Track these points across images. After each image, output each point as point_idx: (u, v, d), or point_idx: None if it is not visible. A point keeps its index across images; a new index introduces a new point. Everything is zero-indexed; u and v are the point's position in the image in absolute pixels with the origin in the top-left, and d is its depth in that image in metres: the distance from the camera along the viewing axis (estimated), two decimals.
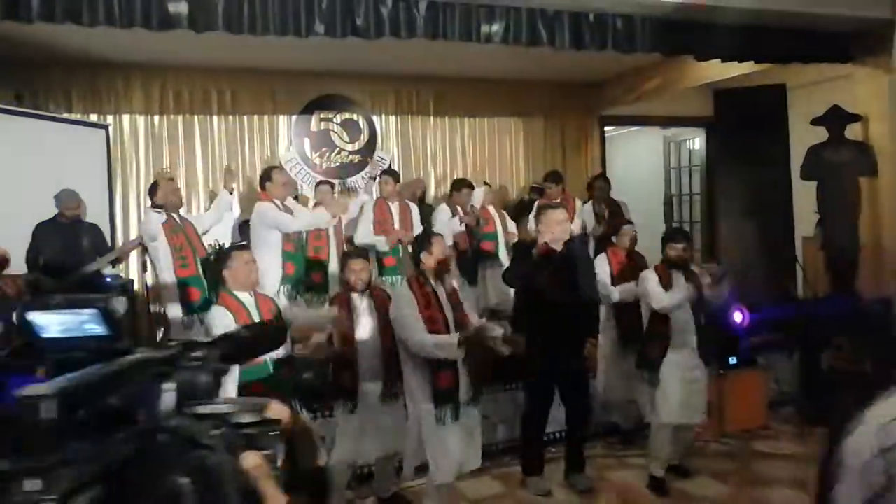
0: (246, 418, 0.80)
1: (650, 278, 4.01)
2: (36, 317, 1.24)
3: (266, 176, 5.05)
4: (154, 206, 4.73)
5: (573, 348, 3.97)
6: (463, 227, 5.79)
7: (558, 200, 6.30)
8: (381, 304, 3.55)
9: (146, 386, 0.78)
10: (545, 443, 4.24)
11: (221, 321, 3.05)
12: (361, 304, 3.57)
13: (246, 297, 3.25)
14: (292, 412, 0.83)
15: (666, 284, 3.94)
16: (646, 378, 4.06)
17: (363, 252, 4.27)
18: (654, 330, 4.02)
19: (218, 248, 5.85)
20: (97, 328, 1.19)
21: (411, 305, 3.29)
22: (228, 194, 5.11)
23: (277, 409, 0.81)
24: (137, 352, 0.83)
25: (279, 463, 0.77)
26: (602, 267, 4.43)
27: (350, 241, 5.54)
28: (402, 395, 3.49)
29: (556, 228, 3.79)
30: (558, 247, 3.81)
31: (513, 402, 4.65)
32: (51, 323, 1.20)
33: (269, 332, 1.20)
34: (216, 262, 3.45)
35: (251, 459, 0.74)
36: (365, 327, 3.55)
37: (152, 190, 4.83)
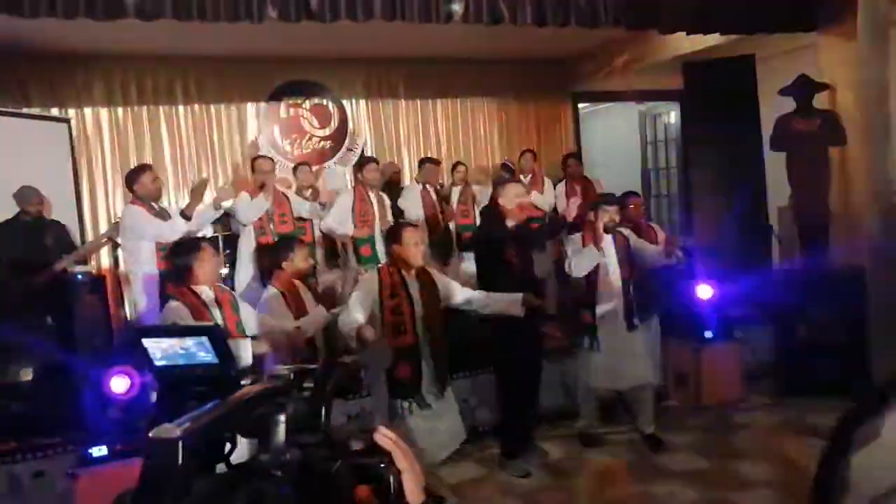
0: (355, 447, 0.80)
1: (572, 241, 4.14)
2: (150, 343, 1.24)
3: (251, 166, 5.19)
4: (136, 197, 4.54)
5: (533, 327, 4.00)
6: (433, 195, 5.79)
7: (528, 176, 6.31)
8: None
9: (260, 418, 0.77)
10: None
11: (178, 317, 2.99)
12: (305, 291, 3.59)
13: (206, 291, 3.18)
14: (398, 442, 0.81)
15: (597, 248, 4.04)
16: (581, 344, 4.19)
17: (302, 240, 4.28)
18: (585, 296, 4.13)
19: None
20: (207, 356, 1.20)
21: (365, 289, 3.33)
22: (214, 210, 4.77)
23: (384, 437, 0.80)
24: (246, 380, 0.82)
25: (392, 497, 0.76)
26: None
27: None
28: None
29: (516, 202, 3.83)
30: (518, 220, 3.86)
31: (492, 385, 4.65)
32: (163, 349, 1.21)
33: (380, 354, 1.18)
34: (181, 252, 3.34)
35: (363, 493, 0.74)
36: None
37: (131, 180, 4.55)
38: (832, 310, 4.88)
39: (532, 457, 4.17)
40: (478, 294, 3.60)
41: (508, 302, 3.48)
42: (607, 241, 4.09)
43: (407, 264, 3.39)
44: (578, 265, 4.00)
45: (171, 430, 0.63)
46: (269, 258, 4.60)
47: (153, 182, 4.53)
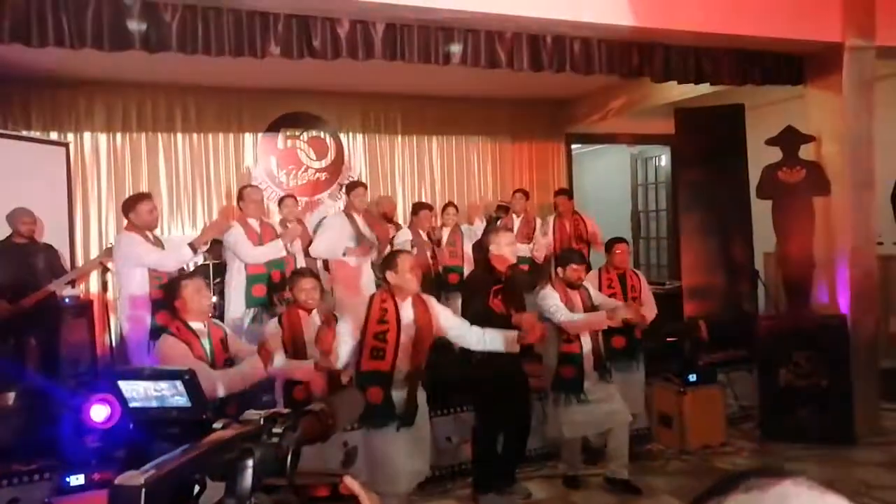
0: (322, 493, 0.80)
1: (550, 296, 4.10)
2: (125, 385, 1.25)
3: (239, 195, 5.03)
4: (131, 225, 4.44)
5: (517, 365, 4.00)
6: (415, 251, 5.75)
7: (521, 217, 6.39)
8: (330, 322, 3.54)
9: (228, 462, 0.78)
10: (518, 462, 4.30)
11: (174, 351, 3.01)
12: (311, 323, 3.56)
13: (199, 325, 3.20)
14: (364, 488, 0.82)
15: (566, 303, 4.07)
16: (564, 400, 4.12)
17: (313, 271, 4.21)
18: (566, 350, 4.11)
19: (194, 268, 5.82)
20: (181, 399, 1.21)
21: (351, 321, 3.35)
22: (191, 251, 4.52)
23: (350, 484, 0.81)
24: (218, 424, 0.84)
25: None
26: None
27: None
28: None
29: (506, 250, 3.85)
30: (503, 268, 3.87)
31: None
32: (138, 392, 1.22)
33: (351, 401, 1.15)
34: (171, 286, 3.36)
35: None
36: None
37: (128, 207, 4.47)
38: (815, 356, 4.93)
39: (512, 494, 4.15)
40: (474, 330, 3.58)
41: (505, 339, 3.48)
42: (574, 295, 4.15)
43: (402, 291, 3.41)
44: (571, 321, 4.02)
45: (134, 477, 0.64)
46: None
47: (150, 213, 4.44)
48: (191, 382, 1.22)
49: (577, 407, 4.10)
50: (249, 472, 0.78)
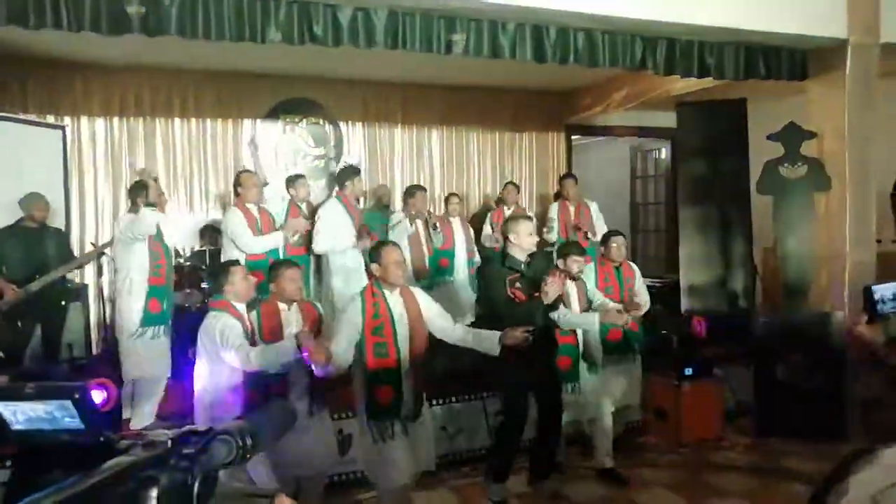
0: None
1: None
2: (3, 406, 1.09)
3: (237, 181, 4.90)
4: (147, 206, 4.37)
5: (548, 356, 3.99)
6: (414, 230, 5.61)
7: (511, 208, 6.36)
8: (310, 317, 3.44)
9: (129, 495, 0.68)
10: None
11: (225, 327, 3.10)
12: (290, 315, 3.43)
13: (242, 307, 3.27)
14: None
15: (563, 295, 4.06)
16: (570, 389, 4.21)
17: (296, 262, 4.07)
18: (564, 341, 4.18)
19: (191, 253, 5.84)
20: (71, 421, 1.06)
21: (350, 319, 3.29)
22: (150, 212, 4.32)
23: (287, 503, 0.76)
24: (119, 447, 0.74)
25: None
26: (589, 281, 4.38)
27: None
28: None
29: (527, 240, 3.80)
30: (524, 258, 3.84)
31: (472, 413, 4.66)
32: (20, 414, 1.07)
33: (280, 416, 1.03)
34: (215, 275, 3.47)
35: None
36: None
37: (137, 190, 4.43)
38: (811, 352, 4.93)
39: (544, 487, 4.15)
40: (458, 328, 3.55)
41: (486, 339, 3.43)
42: (571, 287, 4.16)
43: (389, 284, 3.35)
44: (566, 319, 4.08)
45: None
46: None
47: (159, 196, 4.42)
48: (83, 401, 1.09)
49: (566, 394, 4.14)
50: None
